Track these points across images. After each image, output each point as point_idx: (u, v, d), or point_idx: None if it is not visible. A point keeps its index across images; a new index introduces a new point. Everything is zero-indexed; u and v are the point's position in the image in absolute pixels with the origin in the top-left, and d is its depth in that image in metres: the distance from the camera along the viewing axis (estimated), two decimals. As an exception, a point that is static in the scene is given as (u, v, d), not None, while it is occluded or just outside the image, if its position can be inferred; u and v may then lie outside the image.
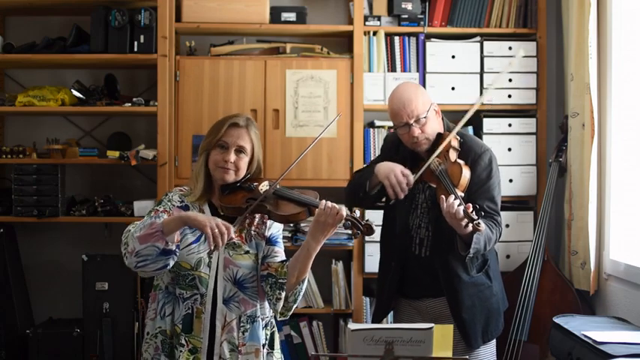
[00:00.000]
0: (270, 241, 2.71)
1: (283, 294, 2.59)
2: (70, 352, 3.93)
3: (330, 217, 2.53)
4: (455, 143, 3.03)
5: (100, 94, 4.11)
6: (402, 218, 3.13)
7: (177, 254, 2.51)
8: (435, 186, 2.99)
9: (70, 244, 4.28)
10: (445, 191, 2.90)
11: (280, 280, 2.59)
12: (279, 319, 2.71)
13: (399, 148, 3.18)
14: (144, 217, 2.61)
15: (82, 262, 3.98)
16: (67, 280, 4.23)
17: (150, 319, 2.65)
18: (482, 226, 2.78)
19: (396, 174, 2.96)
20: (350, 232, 2.65)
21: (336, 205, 2.55)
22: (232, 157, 2.65)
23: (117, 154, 3.99)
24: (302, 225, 3.99)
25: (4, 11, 4.25)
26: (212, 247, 2.42)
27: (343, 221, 2.56)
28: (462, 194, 2.91)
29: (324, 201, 2.57)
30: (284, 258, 2.70)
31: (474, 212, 2.77)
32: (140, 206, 3.94)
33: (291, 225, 3.94)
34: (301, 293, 2.65)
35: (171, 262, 2.50)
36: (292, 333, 4.06)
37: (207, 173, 2.69)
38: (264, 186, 2.68)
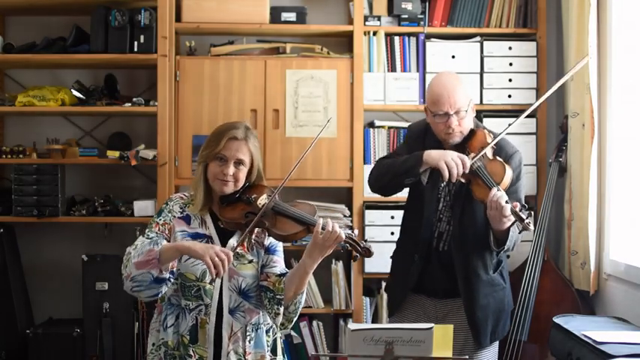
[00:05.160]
0: (269, 250, 2.68)
1: (282, 309, 2.58)
2: (70, 352, 3.93)
3: (328, 240, 2.51)
4: (490, 140, 2.99)
5: (100, 94, 4.11)
6: (428, 209, 3.06)
7: (172, 281, 2.51)
8: (465, 181, 2.93)
9: (70, 244, 4.27)
10: (486, 187, 2.85)
11: (278, 296, 2.58)
12: (280, 331, 2.70)
13: (424, 139, 3.11)
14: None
15: (82, 262, 3.98)
16: (67, 280, 4.23)
17: (155, 330, 2.64)
18: (532, 226, 2.74)
19: (452, 157, 2.90)
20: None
21: (336, 228, 2.51)
22: (231, 170, 2.61)
23: (117, 154, 3.99)
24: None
25: (4, 11, 4.25)
26: (214, 276, 2.42)
27: (342, 242, 2.54)
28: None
29: (321, 220, 2.54)
30: (283, 268, 2.67)
31: (522, 211, 2.73)
32: (140, 206, 3.93)
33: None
34: (301, 304, 2.63)
35: (164, 290, 2.50)
36: (292, 333, 4.05)
37: (206, 183, 2.65)
38: (263, 199, 2.63)
